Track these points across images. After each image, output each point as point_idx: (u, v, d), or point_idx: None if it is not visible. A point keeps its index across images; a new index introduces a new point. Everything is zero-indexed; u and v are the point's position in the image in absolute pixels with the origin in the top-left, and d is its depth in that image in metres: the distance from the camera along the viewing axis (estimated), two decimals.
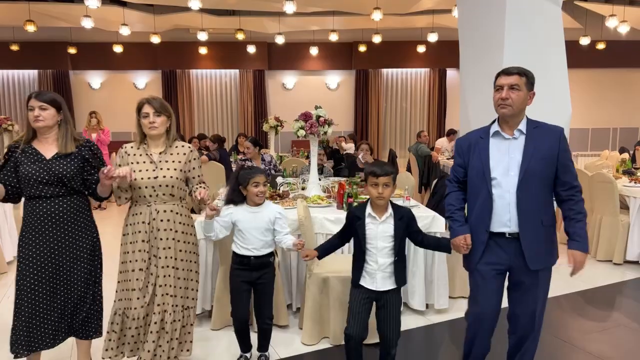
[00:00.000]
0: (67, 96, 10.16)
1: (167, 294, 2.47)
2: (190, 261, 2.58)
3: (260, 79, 10.62)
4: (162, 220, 2.47)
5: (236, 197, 2.63)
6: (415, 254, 3.38)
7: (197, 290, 2.65)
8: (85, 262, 2.47)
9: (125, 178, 2.33)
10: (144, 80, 10.51)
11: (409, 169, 8.14)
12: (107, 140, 7.45)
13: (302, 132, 3.99)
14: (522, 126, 2.20)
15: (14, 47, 9.35)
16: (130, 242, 2.49)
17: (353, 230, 2.40)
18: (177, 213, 2.52)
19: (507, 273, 2.26)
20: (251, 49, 9.93)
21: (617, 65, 10.90)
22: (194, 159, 2.62)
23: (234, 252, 2.64)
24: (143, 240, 2.47)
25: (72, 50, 9.74)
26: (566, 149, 2.19)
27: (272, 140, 8.77)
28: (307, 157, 6.47)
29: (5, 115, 9.05)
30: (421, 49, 10.17)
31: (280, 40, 9.39)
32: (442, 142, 8.69)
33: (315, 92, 10.56)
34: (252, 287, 2.65)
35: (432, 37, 9.34)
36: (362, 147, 5.30)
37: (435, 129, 10.82)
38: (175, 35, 10.05)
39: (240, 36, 9.05)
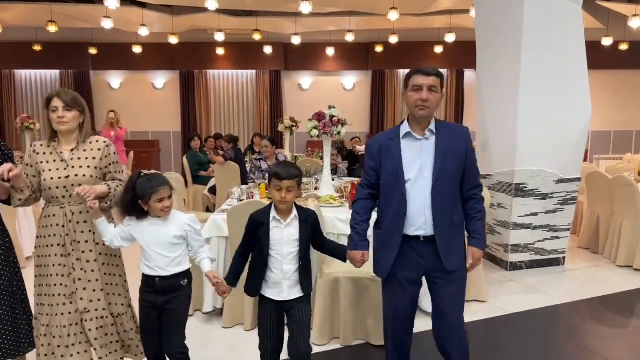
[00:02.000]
0: (88, 96, 10.33)
1: (91, 300, 2.29)
2: (113, 265, 2.39)
3: (276, 80, 10.66)
4: (78, 223, 2.28)
5: (135, 211, 2.16)
6: None
7: (125, 297, 2.43)
8: (2, 271, 2.26)
9: (18, 177, 2.13)
10: (162, 81, 10.63)
11: None
12: (123, 136, 7.59)
13: (315, 132, 3.98)
14: (432, 126, 2.15)
15: (37, 48, 9.55)
16: (45, 246, 2.29)
17: (256, 238, 2.19)
18: (88, 212, 2.28)
19: (424, 277, 2.22)
20: (268, 50, 9.97)
21: None
22: (111, 154, 2.39)
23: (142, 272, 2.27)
24: (59, 244, 2.27)
25: (92, 51, 9.91)
26: (472, 148, 2.20)
27: (287, 140, 8.78)
28: (322, 158, 6.47)
29: (27, 114, 9.24)
30: (438, 49, 10.06)
31: (296, 40, 9.40)
32: None
33: (331, 93, 10.54)
34: (162, 312, 2.24)
35: (450, 38, 9.24)
36: None
37: None
38: (193, 36, 10.14)
39: (256, 37, 9.09)
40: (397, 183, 2.11)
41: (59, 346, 2.26)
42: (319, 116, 4.03)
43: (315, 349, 2.98)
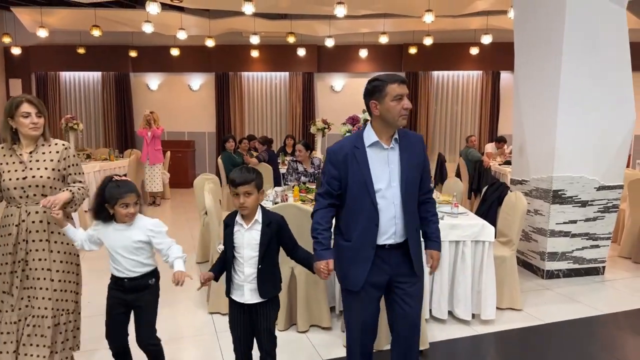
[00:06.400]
0: (128, 97, 10.70)
1: (39, 298, 2.38)
2: (68, 262, 2.48)
3: (309, 82, 10.73)
4: (33, 222, 2.37)
5: (102, 214, 2.26)
6: (463, 262, 3.32)
7: (77, 293, 2.54)
8: None
9: None
10: (199, 82, 10.88)
11: (458, 175, 7.96)
12: (159, 135, 7.85)
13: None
14: (396, 135, 2.16)
15: (81, 51, 9.94)
16: (3, 245, 2.40)
17: (225, 239, 2.27)
18: (45, 213, 2.38)
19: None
20: (301, 52, 10.05)
21: None
22: (70, 156, 2.48)
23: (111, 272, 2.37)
24: (12, 244, 2.37)
25: (133, 54, 10.24)
26: (426, 154, 2.27)
27: (319, 142, 8.85)
28: None
29: (71, 114, 9.65)
30: (474, 50, 9.90)
31: (330, 43, 9.44)
32: (490, 148, 8.48)
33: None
34: (131, 309, 2.36)
35: (486, 39, 9.07)
36: None
37: (487, 134, 10.50)
38: (228, 39, 10.33)
39: (291, 39, 9.19)
40: (365, 193, 2.09)
41: (4, 342, 2.37)
42: (353, 120, 4.06)
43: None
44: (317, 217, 2.18)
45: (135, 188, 2.28)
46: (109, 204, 2.22)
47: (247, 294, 2.23)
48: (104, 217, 2.27)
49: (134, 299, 2.31)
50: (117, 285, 2.31)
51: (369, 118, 4.09)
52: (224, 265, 2.32)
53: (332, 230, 2.25)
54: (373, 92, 2.11)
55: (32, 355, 2.40)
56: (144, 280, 2.31)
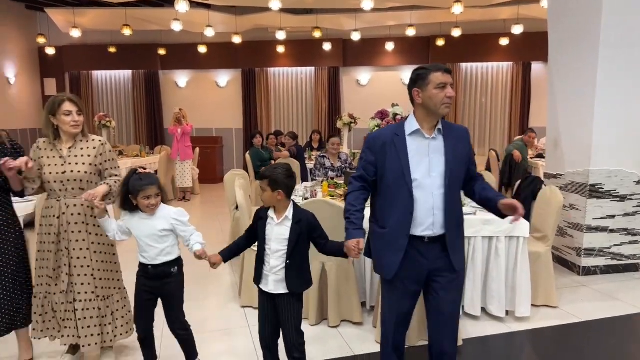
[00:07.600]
0: (157, 94, 10.90)
1: (82, 284, 2.55)
2: (106, 253, 2.65)
3: (334, 76, 10.69)
4: (72, 215, 2.53)
5: (127, 205, 2.40)
6: (497, 258, 3.26)
7: (118, 280, 2.73)
8: (11, 255, 2.57)
9: (30, 169, 2.39)
10: (226, 79, 10.99)
11: (488, 168, 7.82)
12: (189, 132, 7.99)
13: None
14: (440, 126, 2.12)
15: (112, 50, 10.17)
16: (45, 234, 2.57)
17: (256, 230, 2.35)
18: (88, 206, 2.54)
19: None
20: (327, 46, 10.02)
21: None
22: (106, 152, 2.62)
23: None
24: (55, 233, 2.53)
25: (161, 52, 10.41)
26: (472, 146, 2.24)
27: (346, 137, 8.82)
28: None
29: (104, 112, 9.89)
30: (504, 41, 9.65)
31: (356, 36, 9.38)
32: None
33: (389, 88, 10.42)
34: (157, 297, 2.50)
35: (517, 29, 8.83)
36: None
37: (518, 126, 10.26)
38: (255, 35, 10.39)
39: (317, 34, 9.17)
40: (402, 182, 2.08)
41: (50, 321, 2.59)
42: (382, 114, 4.03)
43: (379, 348, 3.00)
44: (350, 198, 2.20)
45: (156, 180, 2.39)
46: (132, 195, 2.35)
47: (271, 284, 2.33)
48: (130, 208, 2.40)
49: (158, 286, 2.44)
50: (144, 273, 2.45)
51: (398, 112, 4.07)
52: (236, 251, 2.45)
53: (369, 217, 2.27)
54: (416, 80, 2.12)
55: (71, 337, 2.60)
56: (167, 268, 2.43)
